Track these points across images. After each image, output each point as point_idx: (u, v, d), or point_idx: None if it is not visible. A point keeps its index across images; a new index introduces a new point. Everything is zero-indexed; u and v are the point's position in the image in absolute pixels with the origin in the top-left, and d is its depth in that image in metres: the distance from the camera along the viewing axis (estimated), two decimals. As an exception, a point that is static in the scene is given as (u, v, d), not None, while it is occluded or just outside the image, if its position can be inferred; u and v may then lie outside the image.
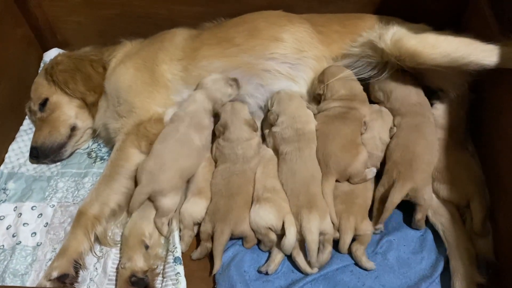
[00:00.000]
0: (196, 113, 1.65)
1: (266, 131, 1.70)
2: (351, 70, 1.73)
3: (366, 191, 1.54)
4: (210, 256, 1.49)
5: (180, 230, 1.54)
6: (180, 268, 1.46)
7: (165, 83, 1.76)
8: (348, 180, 1.54)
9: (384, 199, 1.47)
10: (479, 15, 1.72)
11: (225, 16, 1.89)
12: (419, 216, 1.48)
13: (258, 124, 1.75)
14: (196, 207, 1.53)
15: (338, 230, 1.45)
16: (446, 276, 1.41)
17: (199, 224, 1.54)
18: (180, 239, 1.53)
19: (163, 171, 1.51)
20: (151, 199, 1.53)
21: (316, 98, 1.75)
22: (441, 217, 1.49)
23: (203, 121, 1.66)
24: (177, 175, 1.54)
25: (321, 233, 1.41)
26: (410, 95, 1.66)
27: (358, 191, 1.53)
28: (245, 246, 1.51)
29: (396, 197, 1.44)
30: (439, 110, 1.68)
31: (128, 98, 1.74)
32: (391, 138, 1.61)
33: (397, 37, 1.61)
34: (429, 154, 1.53)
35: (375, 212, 1.51)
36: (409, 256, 1.47)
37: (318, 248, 1.41)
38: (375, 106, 1.71)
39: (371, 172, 1.56)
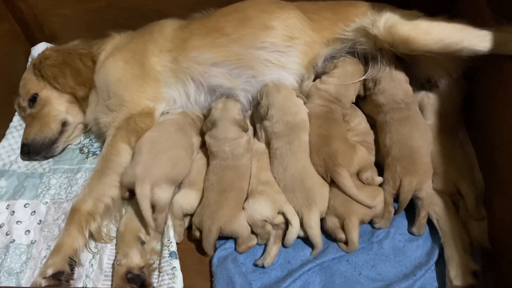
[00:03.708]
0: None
1: (258, 124, 1.68)
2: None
3: None
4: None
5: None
6: (176, 263, 1.46)
7: (155, 75, 1.73)
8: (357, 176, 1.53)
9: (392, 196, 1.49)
10: (471, 1, 1.70)
11: (215, 6, 1.86)
12: (423, 213, 1.47)
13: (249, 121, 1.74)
14: (187, 198, 1.53)
15: (344, 231, 1.45)
16: (441, 264, 1.42)
17: (190, 216, 1.54)
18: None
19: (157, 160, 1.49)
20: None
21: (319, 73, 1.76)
22: (434, 206, 1.49)
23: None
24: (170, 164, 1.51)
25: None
26: (397, 94, 1.63)
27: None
28: (238, 250, 1.48)
29: (408, 195, 1.45)
30: (432, 96, 1.67)
31: (117, 91, 1.71)
32: (382, 133, 1.60)
33: (390, 23, 1.60)
34: (425, 146, 1.52)
35: (385, 214, 1.50)
36: (405, 245, 1.48)
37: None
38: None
39: (380, 179, 1.54)
